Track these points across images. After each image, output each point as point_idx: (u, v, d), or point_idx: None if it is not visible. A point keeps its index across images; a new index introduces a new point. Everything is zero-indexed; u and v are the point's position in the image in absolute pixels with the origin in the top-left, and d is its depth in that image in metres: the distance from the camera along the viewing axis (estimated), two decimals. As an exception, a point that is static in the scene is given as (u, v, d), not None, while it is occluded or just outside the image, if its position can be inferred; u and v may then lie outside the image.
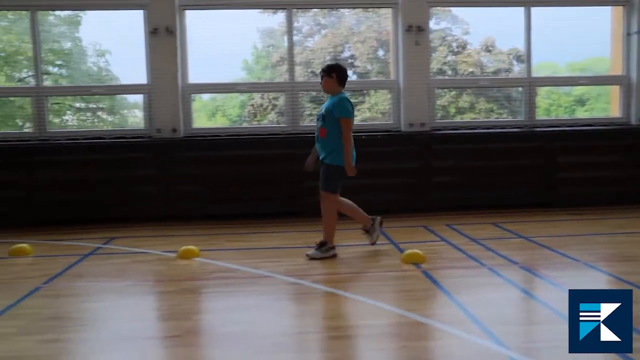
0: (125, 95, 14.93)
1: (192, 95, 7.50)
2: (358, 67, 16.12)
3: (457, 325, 3.27)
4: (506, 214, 6.72)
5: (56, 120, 9.05)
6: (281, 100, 8.41)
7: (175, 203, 6.94)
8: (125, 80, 10.19)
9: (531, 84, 7.56)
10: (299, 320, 3.68)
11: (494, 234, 5.84)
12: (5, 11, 10.58)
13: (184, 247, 5.09)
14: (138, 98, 14.54)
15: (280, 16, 8.05)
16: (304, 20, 14.50)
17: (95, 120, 15.52)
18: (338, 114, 4.85)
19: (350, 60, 16.20)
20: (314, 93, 13.06)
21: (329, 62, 5.14)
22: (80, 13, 13.85)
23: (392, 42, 7.61)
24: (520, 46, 7.74)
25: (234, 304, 3.86)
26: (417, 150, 7.23)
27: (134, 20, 7.63)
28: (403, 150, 7.24)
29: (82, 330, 3.49)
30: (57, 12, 13.35)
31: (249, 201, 7.05)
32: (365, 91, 14.53)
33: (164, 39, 7.03)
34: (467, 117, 11.43)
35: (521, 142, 7.35)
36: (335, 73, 4.96)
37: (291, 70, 7.52)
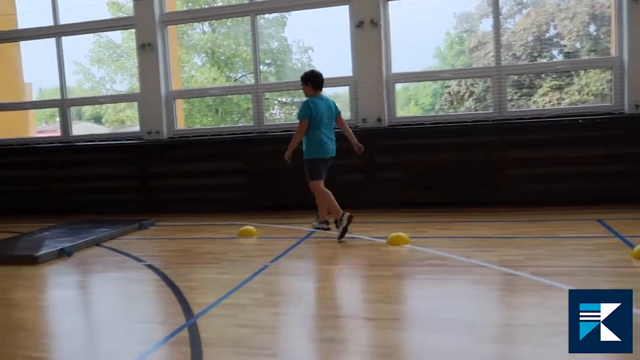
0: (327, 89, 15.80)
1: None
2: (565, 46, 14.83)
3: None
4: None
5: (265, 114, 9.76)
6: (479, 87, 8.10)
7: (381, 190, 7.14)
8: (327, 74, 10.73)
9: None
10: (519, 312, 3.53)
11: None
12: (225, 19, 11.72)
13: (394, 234, 5.20)
14: (339, 90, 15.13)
15: (479, -1, 7.71)
16: (503, 0, 13.75)
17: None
18: (297, 116, 5.74)
19: (555, 40, 14.99)
20: (515, 77, 12.37)
21: (305, 70, 6.03)
22: (286, 14, 14.92)
23: (613, 14, 6.84)
24: None
25: (449, 292, 3.84)
26: (646, 133, 6.47)
27: (337, 16, 7.93)
28: (628, 134, 6.51)
29: (305, 306, 3.76)
30: (266, 15, 14.55)
31: (452, 189, 6.97)
32: (573, 72, 13.31)
33: (368, 31, 7.21)
34: None
35: None
36: (309, 82, 5.75)
37: (497, 54, 7.19)
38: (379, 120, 7.27)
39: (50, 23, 8.84)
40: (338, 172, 7.26)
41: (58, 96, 9.12)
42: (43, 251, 5.42)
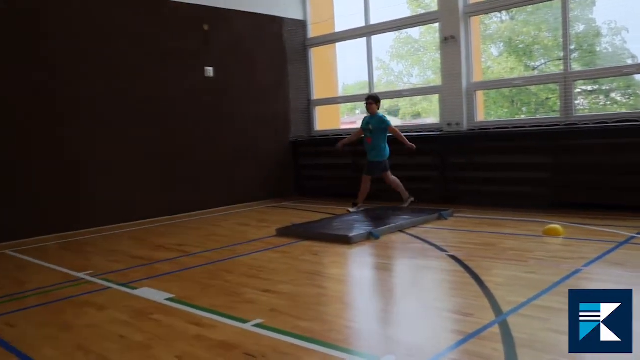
0: (636, 76, 13.69)
1: None
2: None
3: None
4: None
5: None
6: None
7: None
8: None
9: None
10: None
11: None
12: (524, 6, 11.10)
13: None
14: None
15: None
16: None
17: (608, 102, 14.89)
18: (388, 124, 7.64)
19: None
20: None
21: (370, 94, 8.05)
22: (596, -7, 13.41)
23: None
24: None
25: None
26: None
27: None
28: None
29: None
30: (574, -3, 13.34)
31: None
32: None
33: None
34: None
35: None
36: (379, 102, 7.78)
37: None
38: None
39: (362, 24, 9.64)
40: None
41: (360, 91, 9.93)
42: (355, 233, 5.97)
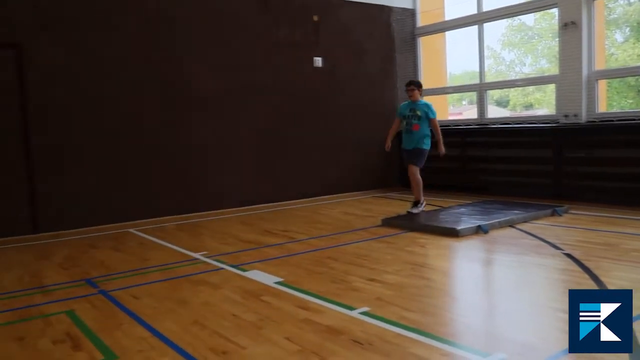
0: None
1: None
2: None
3: None
4: None
5: None
6: None
7: None
8: None
9: None
10: None
11: None
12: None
13: None
14: None
15: None
16: None
17: None
18: (433, 115, 6.97)
19: None
20: None
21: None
22: None
23: None
24: None
25: None
26: None
27: None
28: None
29: None
30: None
31: None
32: None
33: None
34: None
35: None
36: (422, 88, 7.10)
37: None
38: None
39: (474, 11, 9.32)
40: None
41: (468, 81, 9.60)
42: (463, 226, 5.83)
